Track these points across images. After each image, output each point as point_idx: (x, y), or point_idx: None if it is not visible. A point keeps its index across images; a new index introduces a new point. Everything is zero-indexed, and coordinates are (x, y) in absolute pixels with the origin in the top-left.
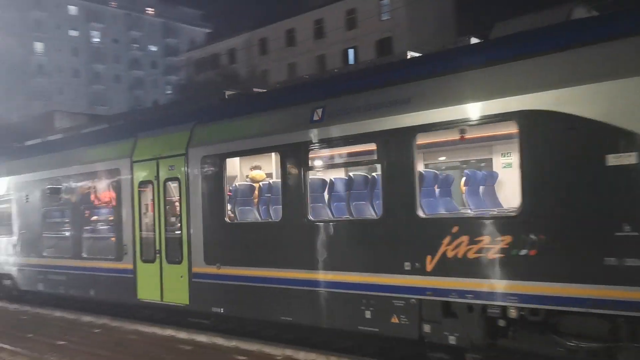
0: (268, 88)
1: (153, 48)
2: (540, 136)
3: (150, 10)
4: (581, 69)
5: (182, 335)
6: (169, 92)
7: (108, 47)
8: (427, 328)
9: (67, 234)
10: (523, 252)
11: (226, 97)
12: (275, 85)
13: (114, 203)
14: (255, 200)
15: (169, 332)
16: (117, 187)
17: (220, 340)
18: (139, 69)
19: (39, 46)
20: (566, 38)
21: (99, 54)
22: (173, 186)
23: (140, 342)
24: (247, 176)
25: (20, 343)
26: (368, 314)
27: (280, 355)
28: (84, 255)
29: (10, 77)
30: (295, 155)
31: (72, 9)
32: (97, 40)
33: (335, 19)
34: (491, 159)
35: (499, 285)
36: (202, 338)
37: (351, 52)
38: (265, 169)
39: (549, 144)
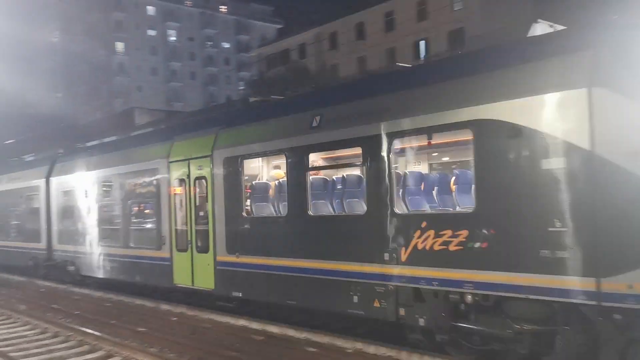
0: (336, 82)
1: (226, 45)
2: (490, 142)
3: (223, 8)
4: (519, 84)
5: (255, 325)
6: (242, 88)
7: (184, 45)
8: (402, 311)
9: (118, 226)
10: (477, 244)
11: (250, 102)
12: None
13: (154, 199)
14: (271, 196)
15: (241, 322)
16: (157, 185)
17: (291, 332)
18: (212, 65)
19: (119, 46)
20: (507, 57)
21: (175, 52)
22: (201, 184)
23: (215, 330)
24: (270, 175)
25: (104, 328)
26: (355, 299)
27: (350, 349)
28: (131, 244)
29: (93, 77)
30: (298, 157)
31: (150, 9)
32: (174, 39)
33: (405, 10)
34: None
35: (457, 274)
36: (273, 329)
37: (422, 44)
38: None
39: (496, 149)
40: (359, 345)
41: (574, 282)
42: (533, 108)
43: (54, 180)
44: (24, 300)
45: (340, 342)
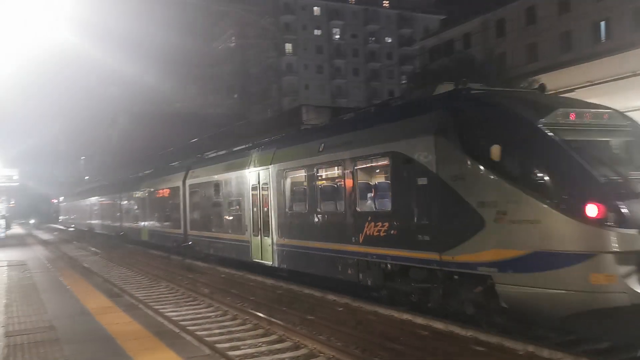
0: (504, 72)
1: (388, 40)
2: (397, 166)
3: (385, 3)
4: (406, 130)
5: (419, 320)
6: (404, 82)
7: (347, 43)
8: (361, 276)
9: (219, 216)
10: (392, 232)
11: (301, 128)
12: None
13: (241, 197)
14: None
15: (405, 316)
16: (242, 188)
17: (457, 329)
18: (375, 61)
19: (288, 47)
20: (400, 114)
21: (339, 49)
22: (265, 187)
23: (379, 323)
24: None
25: (276, 314)
26: (339, 268)
27: (522, 351)
28: (229, 231)
29: (264, 77)
30: (312, 171)
31: (316, 10)
32: (338, 37)
33: None
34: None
35: (384, 250)
36: (438, 325)
37: (602, 25)
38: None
39: (399, 171)
40: (530, 348)
41: (431, 256)
42: (412, 145)
43: (187, 183)
44: (207, 285)
45: (509, 344)
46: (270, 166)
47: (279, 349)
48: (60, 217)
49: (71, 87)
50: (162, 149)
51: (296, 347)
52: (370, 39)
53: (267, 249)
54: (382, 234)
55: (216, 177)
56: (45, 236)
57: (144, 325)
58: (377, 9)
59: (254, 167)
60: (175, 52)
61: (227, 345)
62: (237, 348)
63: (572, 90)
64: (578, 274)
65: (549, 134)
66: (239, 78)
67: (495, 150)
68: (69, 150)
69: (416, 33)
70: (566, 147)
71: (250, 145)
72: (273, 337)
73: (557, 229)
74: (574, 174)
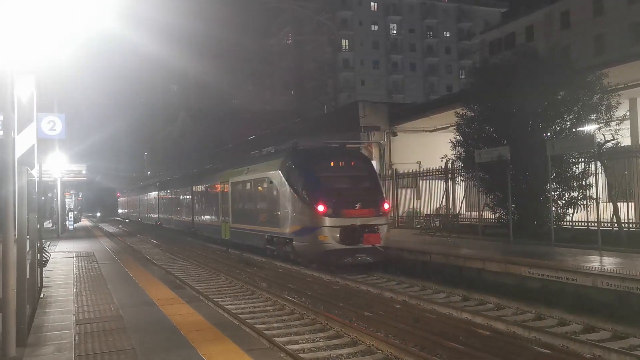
0: (566, 67)
1: (447, 34)
2: (269, 184)
3: None
4: (268, 166)
5: (478, 319)
6: (463, 77)
7: (404, 38)
8: (265, 245)
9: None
10: (268, 219)
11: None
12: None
13: (216, 198)
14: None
15: (465, 315)
16: (217, 192)
17: (519, 330)
18: (433, 56)
19: (344, 43)
20: (268, 156)
21: (396, 44)
22: (231, 189)
23: (437, 321)
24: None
25: (334, 310)
26: (254, 239)
27: (588, 354)
28: (206, 219)
29: (321, 73)
30: (242, 185)
31: (373, 5)
32: (394, 32)
33: None
34: None
35: (266, 228)
36: (499, 325)
37: None
38: None
39: (269, 187)
40: (597, 352)
41: (279, 230)
42: (272, 174)
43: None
44: (264, 279)
45: (575, 346)
46: (230, 179)
47: (336, 344)
48: (120, 210)
49: (134, 84)
50: (220, 145)
51: (354, 343)
52: (428, 33)
53: (228, 229)
54: (265, 220)
55: (203, 187)
56: (110, 229)
57: (205, 317)
58: (435, 3)
59: (223, 180)
60: (233, 50)
61: (285, 339)
62: (295, 342)
63: None
64: (316, 235)
65: (314, 174)
66: (295, 74)
67: (293, 180)
68: (131, 145)
69: (475, 27)
70: (319, 179)
71: (226, 164)
72: (330, 332)
73: (310, 217)
74: (318, 192)
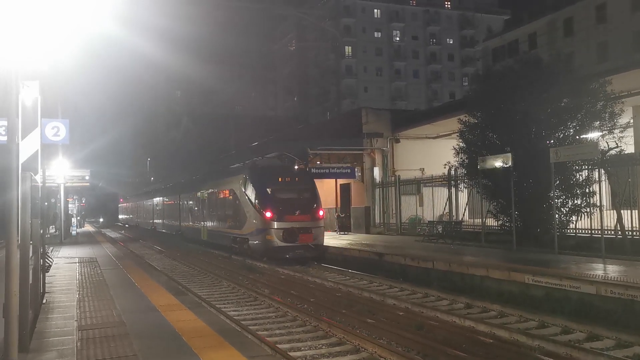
0: (569, 74)
1: (450, 41)
2: (232, 194)
3: (447, 4)
4: (234, 179)
5: (481, 327)
6: (465, 84)
7: (407, 45)
8: (232, 244)
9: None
10: (233, 223)
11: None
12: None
13: (198, 205)
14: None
15: (468, 322)
16: (199, 200)
17: (522, 338)
18: (436, 63)
19: (347, 49)
20: (236, 170)
21: (399, 51)
22: (204, 200)
23: (440, 328)
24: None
25: (336, 317)
26: (223, 239)
27: None
28: (190, 223)
29: (324, 80)
30: (212, 194)
31: (376, 12)
32: (397, 39)
33: None
34: None
35: (232, 231)
36: (502, 333)
37: None
38: None
39: (233, 196)
40: None
41: (240, 232)
42: (235, 187)
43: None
44: (267, 285)
45: (578, 354)
46: (207, 189)
47: (339, 351)
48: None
49: (137, 89)
50: (223, 151)
51: (356, 350)
52: (431, 40)
53: (204, 232)
54: (230, 224)
55: (187, 195)
56: (112, 234)
57: (208, 323)
58: (438, 10)
59: (202, 190)
60: (236, 56)
61: (287, 345)
62: (298, 349)
63: None
64: (264, 235)
65: (266, 187)
66: (298, 81)
67: (249, 192)
68: (135, 151)
69: (478, 34)
70: (268, 191)
71: (206, 176)
72: (333, 339)
73: (260, 221)
74: (267, 202)
